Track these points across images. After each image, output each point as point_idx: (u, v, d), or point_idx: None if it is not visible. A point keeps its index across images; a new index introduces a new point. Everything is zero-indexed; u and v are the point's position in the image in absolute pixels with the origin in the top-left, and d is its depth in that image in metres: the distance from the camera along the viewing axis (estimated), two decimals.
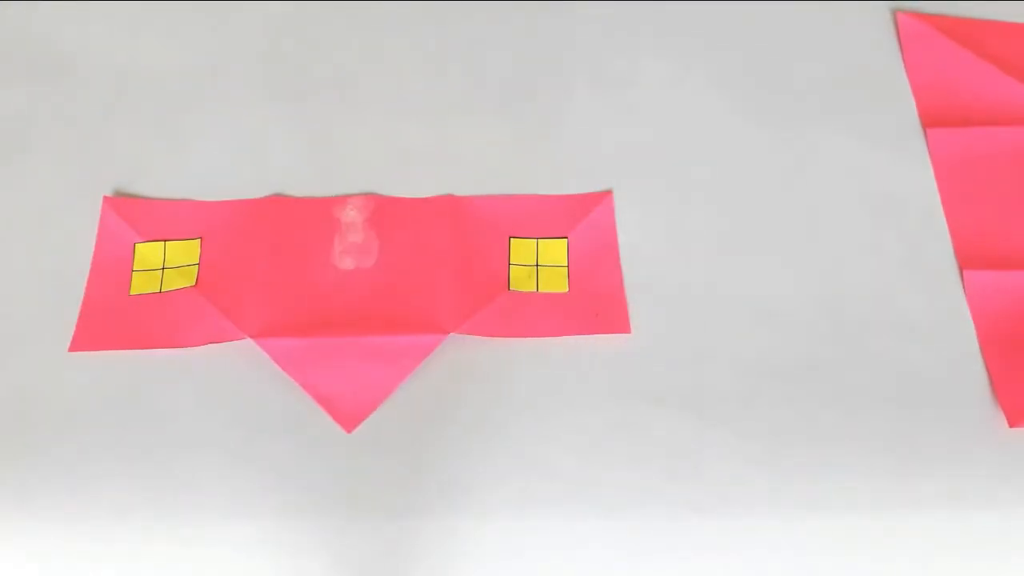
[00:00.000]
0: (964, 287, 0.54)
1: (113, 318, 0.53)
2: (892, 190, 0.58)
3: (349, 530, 0.47)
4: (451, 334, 0.52)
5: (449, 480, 0.48)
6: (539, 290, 0.54)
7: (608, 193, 0.57)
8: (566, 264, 0.55)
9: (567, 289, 0.54)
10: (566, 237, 0.55)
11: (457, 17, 0.65)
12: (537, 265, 0.55)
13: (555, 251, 0.55)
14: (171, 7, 0.64)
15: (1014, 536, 0.47)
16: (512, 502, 0.48)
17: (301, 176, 0.58)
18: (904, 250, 0.55)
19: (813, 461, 0.49)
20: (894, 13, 0.64)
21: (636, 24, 0.64)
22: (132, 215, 0.56)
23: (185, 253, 0.55)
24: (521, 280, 0.54)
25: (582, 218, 0.56)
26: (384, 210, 0.56)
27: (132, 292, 0.54)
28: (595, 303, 0.53)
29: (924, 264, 0.55)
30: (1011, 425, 0.49)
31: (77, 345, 0.52)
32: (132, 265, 0.55)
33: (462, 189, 0.57)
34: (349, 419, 0.50)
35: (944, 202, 0.57)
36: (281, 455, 0.49)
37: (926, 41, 0.63)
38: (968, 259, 0.55)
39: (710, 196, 0.58)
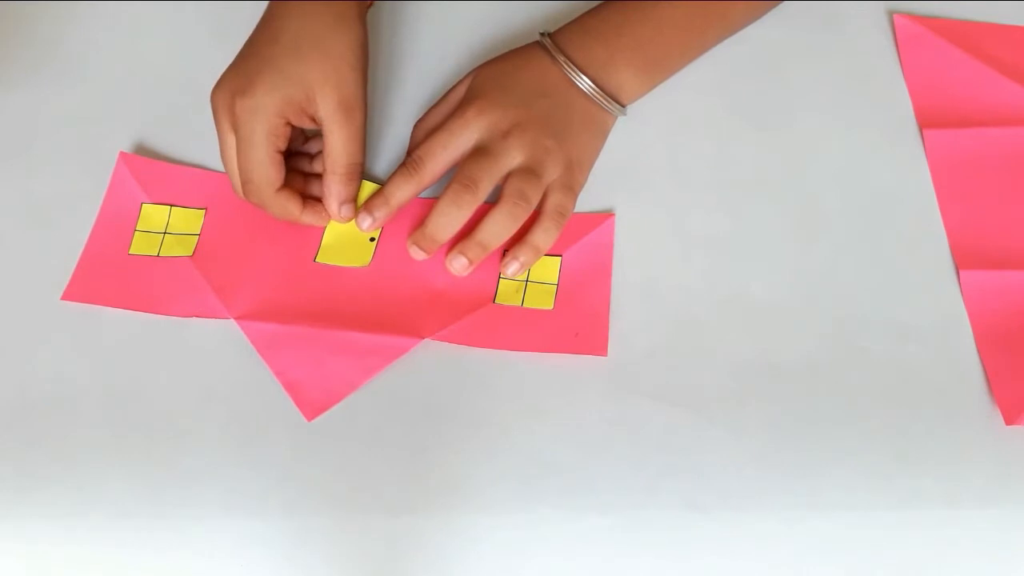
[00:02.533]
0: (961, 287, 0.54)
1: (108, 274, 0.54)
2: (889, 191, 0.58)
3: (349, 527, 0.47)
4: (426, 339, 0.52)
5: (449, 477, 0.48)
6: (524, 305, 0.54)
7: (610, 216, 0.56)
8: (556, 282, 0.54)
9: (552, 307, 0.53)
10: (560, 255, 0.55)
11: (457, 19, 0.65)
12: (527, 280, 0.54)
13: (548, 268, 0.55)
14: (173, 7, 0.64)
15: (1012, 533, 0.47)
16: (511, 499, 0.48)
17: None
18: (901, 250, 0.56)
19: (811, 459, 0.49)
20: (890, 15, 0.65)
21: None
22: (144, 174, 0.57)
23: (188, 221, 0.56)
24: (508, 294, 0.54)
25: (580, 238, 0.56)
26: None
27: (131, 251, 0.54)
28: (577, 323, 0.53)
29: (921, 264, 0.55)
30: (1008, 423, 0.49)
31: (70, 295, 0.53)
32: (136, 224, 0.55)
33: None
34: (311, 408, 0.50)
35: (940, 203, 0.57)
36: (281, 452, 0.49)
37: (922, 43, 0.63)
38: (965, 259, 0.55)
39: (707, 196, 0.58)
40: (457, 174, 0.53)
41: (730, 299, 0.54)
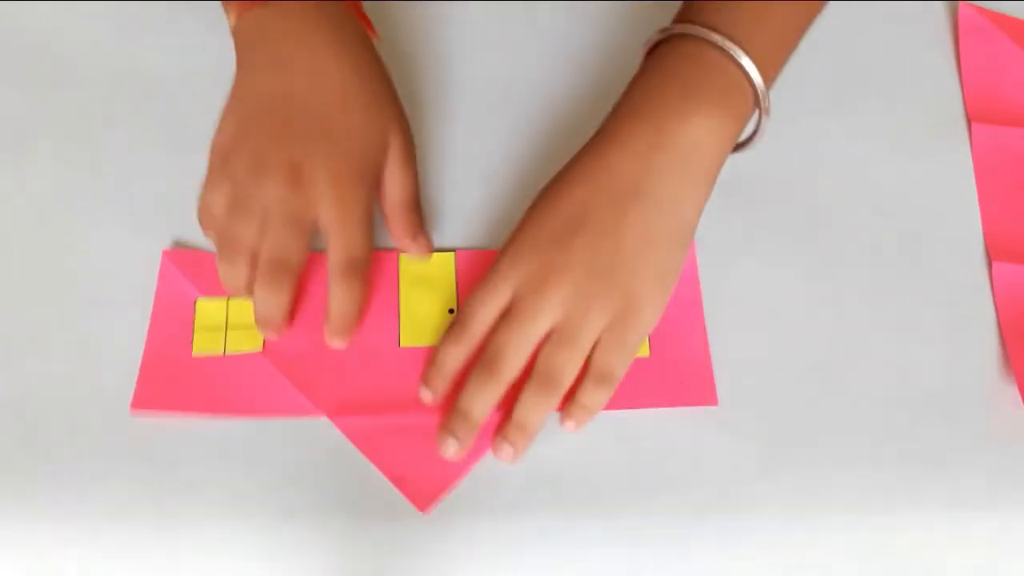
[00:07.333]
0: (992, 278, 0.53)
1: (176, 378, 0.49)
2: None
3: (348, 530, 0.46)
4: None
5: None
6: None
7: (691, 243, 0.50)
8: None
9: (648, 354, 0.50)
10: None
11: (460, 21, 0.62)
12: None
13: None
14: (171, 7, 0.61)
15: (1014, 534, 0.46)
16: (511, 502, 0.46)
17: None
18: (906, 249, 0.54)
19: (813, 461, 0.48)
20: (956, 3, 0.63)
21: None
22: (192, 268, 0.52)
23: (249, 312, 0.50)
24: None
25: None
26: (467, 264, 0.52)
27: (195, 352, 0.49)
28: (679, 370, 0.49)
29: (929, 266, 0.54)
30: None
31: (138, 403, 0.48)
32: (193, 322, 0.50)
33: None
34: (423, 498, 0.46)
35: (980, 195, 0.56)
36: (281, 456, 0.47)
37: (984, 35, 0.62)
38: (998, 251, 0.54)
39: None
40: (485, 347, 0.47)
41: (730, 298, 0.52)
